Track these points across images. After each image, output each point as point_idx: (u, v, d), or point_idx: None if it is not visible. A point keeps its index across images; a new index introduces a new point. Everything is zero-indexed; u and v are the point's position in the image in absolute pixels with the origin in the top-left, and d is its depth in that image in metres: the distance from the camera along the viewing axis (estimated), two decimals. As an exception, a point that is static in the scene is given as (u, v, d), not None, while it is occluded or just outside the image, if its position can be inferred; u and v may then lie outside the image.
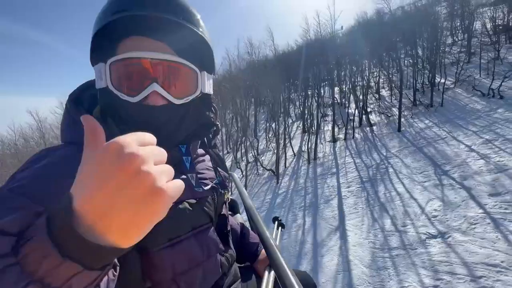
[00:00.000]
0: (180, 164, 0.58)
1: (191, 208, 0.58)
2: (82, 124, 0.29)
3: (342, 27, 23.64)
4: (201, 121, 0.63)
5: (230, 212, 0.94)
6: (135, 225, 0.24)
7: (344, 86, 17.49)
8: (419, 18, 20.87)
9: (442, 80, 14.38)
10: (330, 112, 15.64)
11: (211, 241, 0.61)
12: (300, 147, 12.04)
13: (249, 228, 0.95)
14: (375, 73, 17.75)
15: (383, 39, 19.13)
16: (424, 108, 11.82)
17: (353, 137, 11.27)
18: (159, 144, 0.29)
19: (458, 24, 21.28)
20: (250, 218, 0.86)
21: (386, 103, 14.41)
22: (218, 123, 0.68)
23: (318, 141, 12.53)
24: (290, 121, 17.18)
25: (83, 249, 0.22)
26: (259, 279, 0.76)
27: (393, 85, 16.34)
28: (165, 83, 0.51)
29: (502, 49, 14.50)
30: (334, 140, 11.63)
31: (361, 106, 12.86)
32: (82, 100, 0.56)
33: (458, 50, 18.22)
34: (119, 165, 0.23)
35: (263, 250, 0.82)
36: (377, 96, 15.21)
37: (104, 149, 0.24)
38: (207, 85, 0.59)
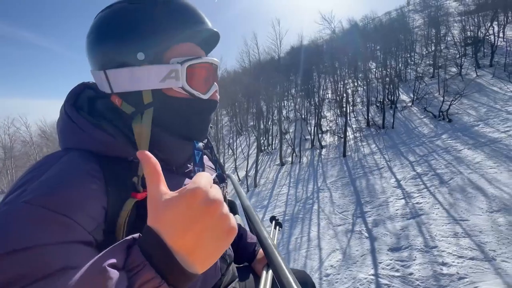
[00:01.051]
0: (191, 156, 0.63)
1: None
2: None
3: (334, 30, 23.29)
4: None
5: None
6: (214, 257, 0.30)
7: (312, 100, 17.05)
8: (392, 28, 20.63)
9: (401, 98, 14.01)
10: (292, 129, 15.24)
11: None
12: (248, 170, 11.53)
13: (247, 228, 0.95)
14: (346, 86, 17.33)
15: (355, 51, 18.84)
16: (375, 130, 11.39)
17: (299, 161, 10.79)
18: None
19: (433, 34, 20.89)
20: (248, 218, 0.87)
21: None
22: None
23: (269, 163, 12.09)
24: (253, 137, 16.75)
25: (184, 279, 0.28)
26: (257, 278, 0.78)
27: (355, 100, 15.93)
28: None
29: (465, 63, 14.15)
30: (282, 163, 11.15)
31: (315, 124, 12.43)
32: (81, 104, 0.55)
33: (428, 62, 17.93)
34: (207, 210, 0.28)
35: (261, 250, 0.83)
36: (338, 112, 14.78)
37: (191, 195, 0.28)
38: None
